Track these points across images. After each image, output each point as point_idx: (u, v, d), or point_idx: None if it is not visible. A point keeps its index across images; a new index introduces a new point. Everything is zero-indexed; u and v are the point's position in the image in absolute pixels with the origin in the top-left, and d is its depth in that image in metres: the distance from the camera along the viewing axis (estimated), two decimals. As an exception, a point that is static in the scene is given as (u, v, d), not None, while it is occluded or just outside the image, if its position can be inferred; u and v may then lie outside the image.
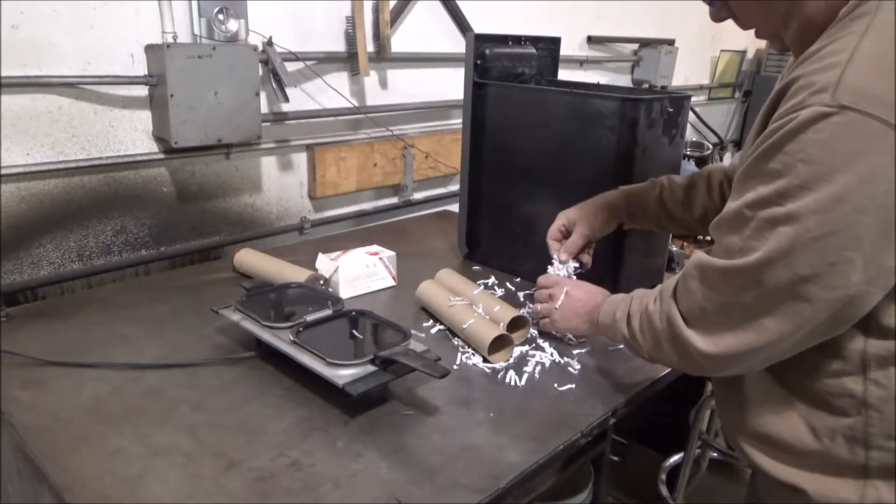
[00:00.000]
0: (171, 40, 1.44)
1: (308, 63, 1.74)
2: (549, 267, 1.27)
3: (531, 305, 1.41)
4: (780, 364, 0.81)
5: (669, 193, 1.23)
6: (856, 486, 0.79)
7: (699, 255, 0.83)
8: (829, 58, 0.72)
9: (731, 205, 0.79)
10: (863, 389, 0.78)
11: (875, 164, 0.68)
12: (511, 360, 1.18)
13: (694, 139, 3.28)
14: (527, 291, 1.49)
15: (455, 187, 2.23)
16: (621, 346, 1.23)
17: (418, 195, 2.14)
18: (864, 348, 0.77)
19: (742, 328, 0.77)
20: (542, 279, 1.25)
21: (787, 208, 0.71)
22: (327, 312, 1.15)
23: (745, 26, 0.88)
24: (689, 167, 2.76)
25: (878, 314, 0.75)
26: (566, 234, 1.27)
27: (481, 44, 1.52)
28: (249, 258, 1.50)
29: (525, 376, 1.13)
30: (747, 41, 3.84)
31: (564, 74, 1.79)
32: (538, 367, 1.16)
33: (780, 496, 0.86)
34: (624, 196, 1.26)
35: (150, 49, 1.43)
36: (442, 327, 1.30)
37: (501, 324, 1.23)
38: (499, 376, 1.14)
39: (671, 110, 1.38)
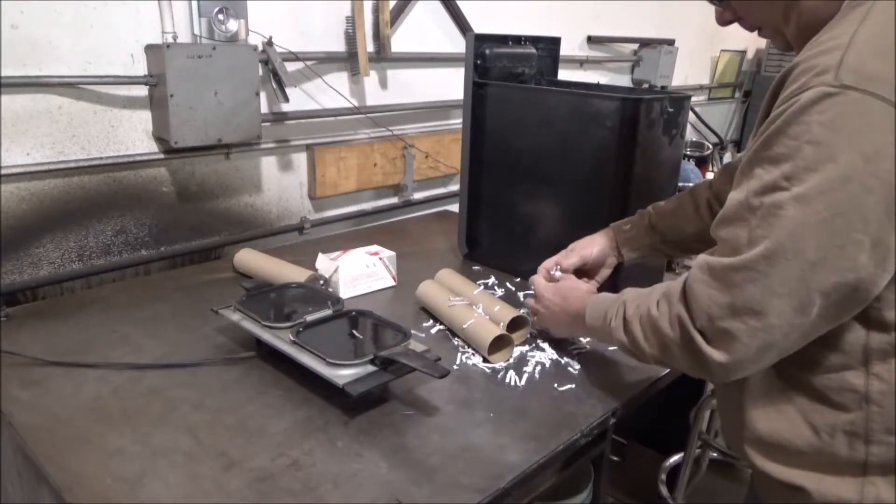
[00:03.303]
0: (171, 40, 1.44)
1: (308, 63, 1.74)
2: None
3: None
4: (781, 362, 0.80)
5: (658, 219, 1.22)
6: (855, 484, 0.79)
7: (703, 257, 0.81)
8: (830, 42, 0.72)
9: (735, 196, 0.78)
10: (865, 383, 0.77)
11: (879, 143, 0.68)
12: (511, 360, 1.18)
13: (694, 139, 3.28)
14: (527, 291, 1.49)
15: (455, 187, 2.23)
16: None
17: (418, 195, 2.14)
18: (865, 342, 0.77)
19: (751, 330, 0.75)
20: (530, 282, 1.25)
21: (794, 192, 0.71)
22: (327, 312, 1.15)
23: (749, 27, 0.89)
24: (689, 167, 2.77)
25: (880, 306, 0.75)
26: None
27: (481, 44, 1.52)
28: (249, 258, 1.50)
29: (525, 376, 1.13)
30: (747, 41, 3.84)
31: (564, 74, 1.80)
32: (538, 367, 1.16)
33: (780, 496, 0.86)
34: (612, 228, 1.27)
35: (150, 49, 1.43)
36: (442, 327, 1.30)
37: (501, 324, 1.23)
38: (499, 376, 1.13)
39: (671, 110, 1.38)
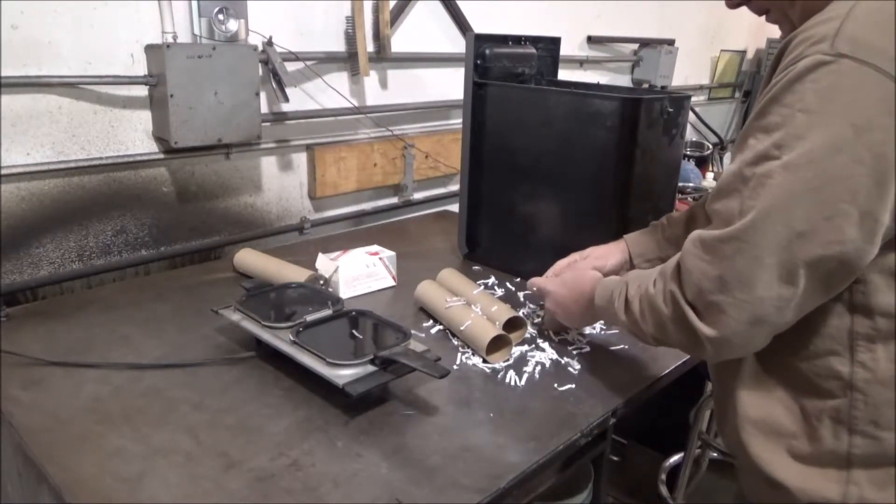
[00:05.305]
0: (171, 40, 1.44)
1: (308, 63, 1.74)
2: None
3: (531, 305, 1.41)
4: (769, 347, 0.80)
5: (671, 232, 1.21)
6: (839, 482, 0.79)
7: (697, 232, 0.81)
8: (830, 13, 0.72)
9: (730, 168, 0.78)
10: (849, 371, 0.77)
11: (871, 113, 0.68)
12: (511, 360, 1.18)
13: (694, 139, 3.28)
14: (527, 291, 1.49)
15: (455, 187, 2.23)
16: (621, 346, 1.24)
17: (418, 195, 2.14)
18: (850, 326, 0.77)
19: (739, 303, 0.74)
20: (529, 285, 1.26)
21: (784, 160, 0.71)
22: (327, 312, 1.15)
23: (757, 10, 0.89)
24: (689, 167, 2.77)
25: (865, 290, 0.75)
26: None
27: (481, 44, 1.52)
28: (249, 258, 1.50)
29: (525, 376, 1.13)
30: (747, 41, 3.84)
31: (564, 74, 1.80)
32: (538, 367, 1.16)
33: (765, 495, 0.86)
34: (625, 240, 1.25)
35: (150, 49, 1.43)
36: (442, 327, 1.29)
37: (497, 323, 1.23)
38: (499, 376, 1.13)
39: (671, 110, 1.38)
